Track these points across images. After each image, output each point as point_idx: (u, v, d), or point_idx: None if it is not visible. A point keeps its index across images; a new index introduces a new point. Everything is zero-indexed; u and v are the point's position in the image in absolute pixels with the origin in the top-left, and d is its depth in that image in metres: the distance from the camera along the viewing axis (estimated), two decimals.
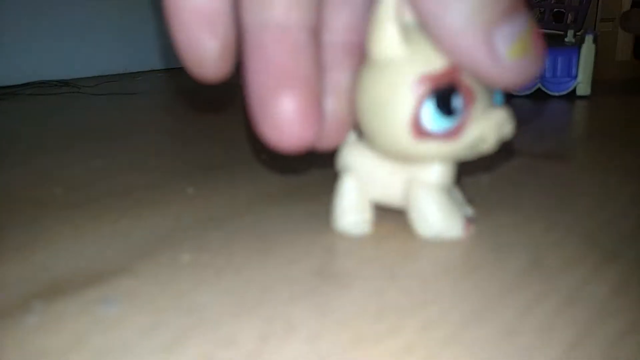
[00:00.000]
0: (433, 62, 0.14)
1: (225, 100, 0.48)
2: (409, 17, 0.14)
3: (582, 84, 0.42)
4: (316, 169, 0.24)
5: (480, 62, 0.13)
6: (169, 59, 0.69)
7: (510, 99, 0.42)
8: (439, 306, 0.13)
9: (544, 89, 0.42)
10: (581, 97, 0.41)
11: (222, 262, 0.15)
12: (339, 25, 0.16)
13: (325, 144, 0.16)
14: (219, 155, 0.27)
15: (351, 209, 0.17)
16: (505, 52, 0.13)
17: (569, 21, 0.53)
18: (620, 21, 0.50)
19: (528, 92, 0.43)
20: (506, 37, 0.13)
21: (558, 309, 0.12)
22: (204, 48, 0.14)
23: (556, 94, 0.42)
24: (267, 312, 0.13)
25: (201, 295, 0.14)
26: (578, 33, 0.48)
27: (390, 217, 0.18)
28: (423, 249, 0.16)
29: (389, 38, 0.14)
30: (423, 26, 0.14)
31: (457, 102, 0.14)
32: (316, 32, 0.14)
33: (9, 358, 0.11)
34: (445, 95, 0.14)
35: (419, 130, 0.14)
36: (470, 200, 0.18)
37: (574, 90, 0.42)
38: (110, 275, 0.15)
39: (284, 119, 0.14)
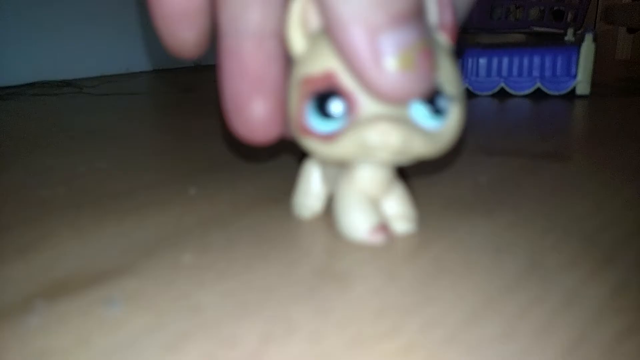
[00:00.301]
0: (318, 65, 0.14)
1: None
2: (315, 22, 0.15)
3: (582, 83, 0.42)
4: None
5: (363, 63, 0.13)
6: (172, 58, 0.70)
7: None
8: (438, 306, 0.13)
9: (543, 88, 0.42)
10: (581, 97, 0.42)
11: (224, 263, 0.15)
12: None
13: (289, 138, 0.17)
14: (221, 155, 0.27)
15: (312, 194, 0.19)
16: (389, 60, 0.13)
17: (568, 20, 0.53)
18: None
19: (526, 92, 0.43)
20: (392, 44, 0.13)
21: (556, 311, 0.13)
22: (182, 37, 0.16)
23: (556, 93, 0.42)
24: (268, 312, 0.13)
25: (203, 295, 0.14)
26: (578, 32, 0.48)
27: None
28: (421, 249, 0.16)
29: (292, 40, 0.15)
30: (322, 20, 0.14)
31: (336, 107, 0.14)
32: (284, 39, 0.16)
33: (11, 359, 0.11)
34: (323, 99, 0.14)
35: (303, 128, 0.15)
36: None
37: (573, 90, 0.42)
38: (113, 276, 0.15)
39: (255, 120, 0.16)
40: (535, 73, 0.42)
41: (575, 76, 0.42)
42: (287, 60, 0.16)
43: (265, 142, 0.16)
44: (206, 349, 0.12)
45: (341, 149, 0.15)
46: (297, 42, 0.15)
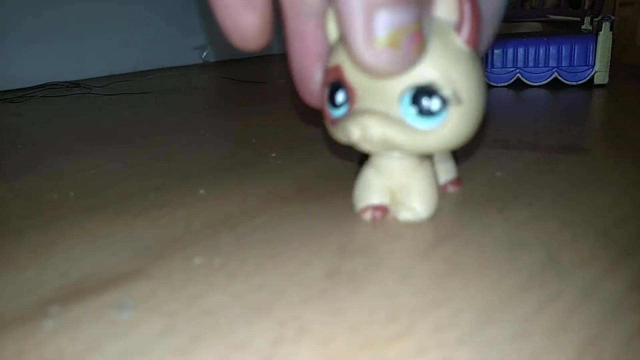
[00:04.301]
0: (333, 59, 0.16)
1: (235, 99, 0.48)
2: None
3: (600, 73, 0.41)
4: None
5: (357, 40, 0.14)
6: (180, 56, 0.70)
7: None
8: (451, 307, 0.13)
9: (560, 78, 0.42)
10: (599, 86, 0.41)
11: (234, 265, 0.15)
12: None
13: None
14: (230, 155, 0.27)
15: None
16: (380, 37, 0.13)
17: (586, 7, 0.52)
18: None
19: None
20: (384, 23, 0.13)
21: (572, 308, 0.12)
22: (245, 23, 0.16)
23: (573, 83, 0.41)
24: (280, 314, 0.13)
25: (214, 298, 0.14)
26: (595, 20, 0.47)
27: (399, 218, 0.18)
28: (434, 248, 0.16)
29: (329, 29, 0.16)
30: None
31: (340, 96, 0.16)
32: None
33: None
34: (333, 89, 0.16)
35: (324, 111, 0.17)
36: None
37: (591, 79, 0.41)
38: (125, 279, 0.15)
39: (317, 88, 0.18)
40: (552, 63, 0.41)
41: (592, 65, 0.41)
42: None
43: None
44: (218, 352, 0.12)
45: (338, 134, 0.17)
46: (331, 34, 0.16)
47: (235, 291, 0.14)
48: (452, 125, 0.15)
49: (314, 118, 0.18)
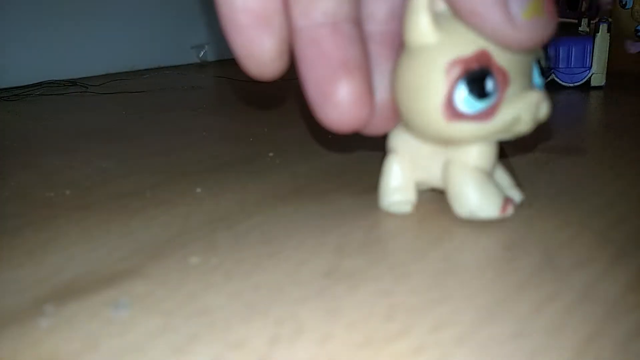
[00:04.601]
0: (464, 47, 0.15)
1: (233, 98, 0.48)
2: (441, 5, 0.15)
3: (597, 75, 0.41)
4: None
5: (495, 22, 0.14)
6: (178, 55, 0.70)
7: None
8: (449, 306, 0.13)
9: (557, 79, 0.42)
10: (596, 88, 0.41)
11: (231, 264, 0.15)
12: (381, 15, 0.17)
13: (374, 130, 0.17)
14: (227, 154, 0.27)
15: (395, 189, 0.18)
16: (519, 12, 0.14)
17: (583, 9, 0.52)
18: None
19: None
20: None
21: (569, 308, 0.12)
22: (261, 47, 0.15)
23: (570, 84, 0.41)
24: (277, 313, 0.13)
25: (211, 297, 0.14)
26: (592, 21, 0.47)
27: (398, 216, 0.18)
28: (432, 248, 0.16)
29: (422, 26, 0.15)
30: (450, 4, 0.15)
31: (489, 84, 0.15)
32: (360, 24, 0.16)
33: None
34: (477, 78, 0.15)
35: (453, 112, 0.15)
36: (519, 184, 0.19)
37: (588, 81, 0.41)
38: (121, 278, 0.15)
39: (342, 104, 0.15)
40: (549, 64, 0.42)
41: (589, 67, 0.41)
42: (366, 48, 0.16)
43: (351, 127, 0.16)
44: (215, 351, 0.11)
45: (497, 125, 0.15)
46: (426, 27, 0.15)
47: (232, 290, 0.14)
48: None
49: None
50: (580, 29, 0.48)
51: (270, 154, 0.26)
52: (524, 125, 0.15)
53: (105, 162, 0.27)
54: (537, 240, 0.16)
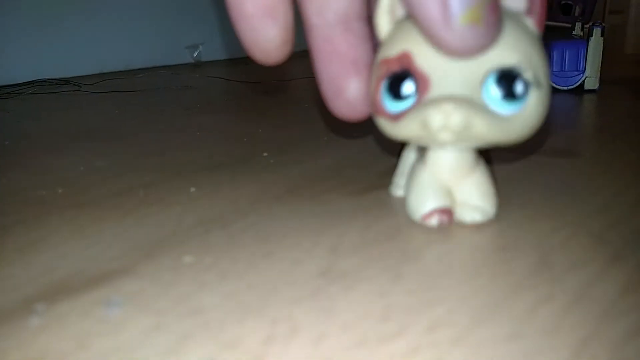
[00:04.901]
0: (393, 48, 0.15)
1: (227, 99, 0.48)
2: (400, 11, 0.16)
3: (590, 78, 0.41)
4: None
5: (433, 20, 0.13)
6: (173, 55, 0.69)
7: None
8: (444, 307, 0.13)
9: (551, 83, 0.42)
10: (589, 91, 0.41)
11: (226, 264, 0.15)
12: None
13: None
14: (221, 154, 0.27)
15: (402, 174, 0.19)
16: (458, 14, 0.13)
17: (576, 13, 0.52)
18: None
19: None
20: (462, 1, 0.13)
21: (565, 310, 0.12)
22: (266, 36, 0.16)
23: (564, 88, 0.42)
24: (271, 313, 0.13)
25: (205, 297, 0.13)
26: (586, 26, 0.47)
27: (395, 215, 0.18)
28: (428, 248, 0.16)
29: (380, 26, 0.16)
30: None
31: (406, 87, 0.15)
32: (369, 21, 0.17)
33: None
34: (396, 80, 0.15)
35: (377, 107, 0.16)
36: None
37: (582, 84, 0.41)
38: (113, 277, 0.15)
39: (353, 98, 0.17)
40: None
41: (583, 71, 0.41)
42: (373, 45, 0.17)
43: (360, 117, 0.18)
44: (208, 351, 0.11)
45: (405, 128, 0.15)
46: (384, 28, 0.16)
47: (226, 290, 0.14)
48: (531, 111, 0.15)
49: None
50: (574, 32, 0.48)
51: (265, 154, 0.26)
52: (441, 134, 0.14)
53: (99, 161, 0.27)
54: (533, 242, 0.16)
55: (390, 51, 0.15)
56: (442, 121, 0.14)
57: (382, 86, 0.15)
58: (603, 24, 0.41)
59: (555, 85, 0.42)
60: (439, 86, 0.14)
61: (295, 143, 0.28)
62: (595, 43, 0.40)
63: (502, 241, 0.16)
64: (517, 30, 0.14)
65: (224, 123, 0.36)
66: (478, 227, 0.17)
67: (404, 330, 0.12)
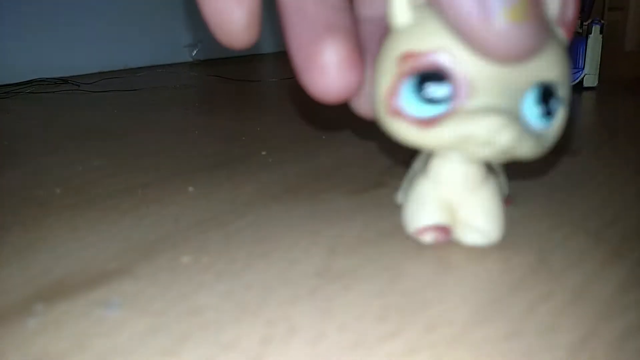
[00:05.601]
0: (424, 42, 0.13)
1: (226, 97, 0.48)
2: None
3: (589, 75, 0.41)
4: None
5: (471, 21, 0.11)
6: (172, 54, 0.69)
7: None
8: (442, 306, 0.13)
9: None
10: (588, 89, 0.41)
11: (223, 264, 0.15)
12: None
13: (367, 108, 0.16)
14: (220, 153, 0.27)
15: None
16: (500, 13, 0.11)
17: None
18: None
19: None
20: None
21: (563, 308, 0.12)
22: (231, 17, 0.15)
23: None
24: (269, 314, 0.13)
25: (202, 297, 0.13)
26: (585, 23, 0.47)
27: (391, 216, 0.18)
28: (424, 248, 0.16)
29: (396, 8, 0.13)
30: None
31: (442, 90, 0.13)
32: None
33: None
34: (425, 80, 0.13)
35: (394, 108, 0.13)
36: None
37: (581, 82, 0.41)
38: (111, 278, 0.15)
39: (327, 66, 0.14)
40: None
41: (582, 68, 0.41)
42: (354, 15, 0.15)
43: (339, 93, 0.15)
44: (206, 352, 0.11)
45: (438, 137, 0.13)
46: (402, 11, 0.13)
47: (224, 290, 0.14)
48: (556, 127, 0.14)
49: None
50: None
51: (263, 153, 0.26)
52: (481, 149, 0.13)
53: (96, 160, 0.26)
54: (531, 240, 0.16)
55: (419, 45, 0.13)
56: (490, 138, 0.12)
57: (406, 85, 0.13)
58: (602, 21, 0.41)
59: None
60: (479, 94, 0.13)
61: (294, 142, 0.28)
62: (595, 40, 0.40)
63: (501, 240, 0.16)
64: (554, 40, 0.13)
65: (222, 122, 0.36)
66: None
67: (401, 330, 0.12)
